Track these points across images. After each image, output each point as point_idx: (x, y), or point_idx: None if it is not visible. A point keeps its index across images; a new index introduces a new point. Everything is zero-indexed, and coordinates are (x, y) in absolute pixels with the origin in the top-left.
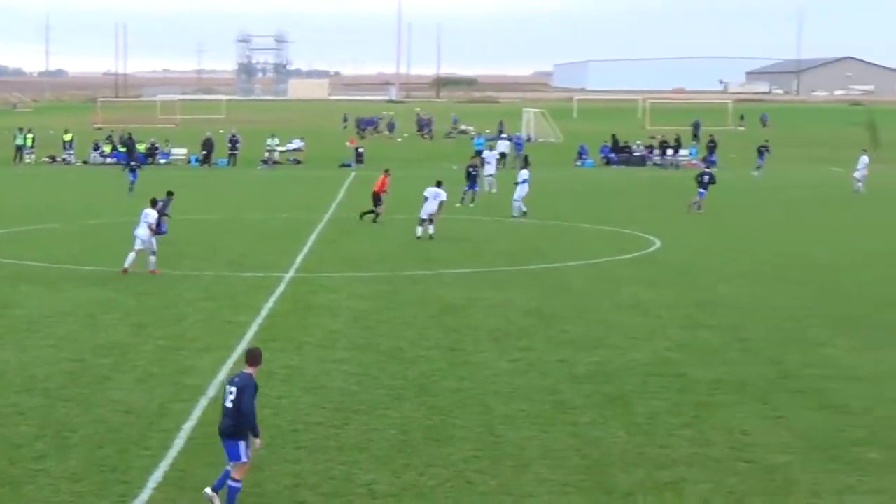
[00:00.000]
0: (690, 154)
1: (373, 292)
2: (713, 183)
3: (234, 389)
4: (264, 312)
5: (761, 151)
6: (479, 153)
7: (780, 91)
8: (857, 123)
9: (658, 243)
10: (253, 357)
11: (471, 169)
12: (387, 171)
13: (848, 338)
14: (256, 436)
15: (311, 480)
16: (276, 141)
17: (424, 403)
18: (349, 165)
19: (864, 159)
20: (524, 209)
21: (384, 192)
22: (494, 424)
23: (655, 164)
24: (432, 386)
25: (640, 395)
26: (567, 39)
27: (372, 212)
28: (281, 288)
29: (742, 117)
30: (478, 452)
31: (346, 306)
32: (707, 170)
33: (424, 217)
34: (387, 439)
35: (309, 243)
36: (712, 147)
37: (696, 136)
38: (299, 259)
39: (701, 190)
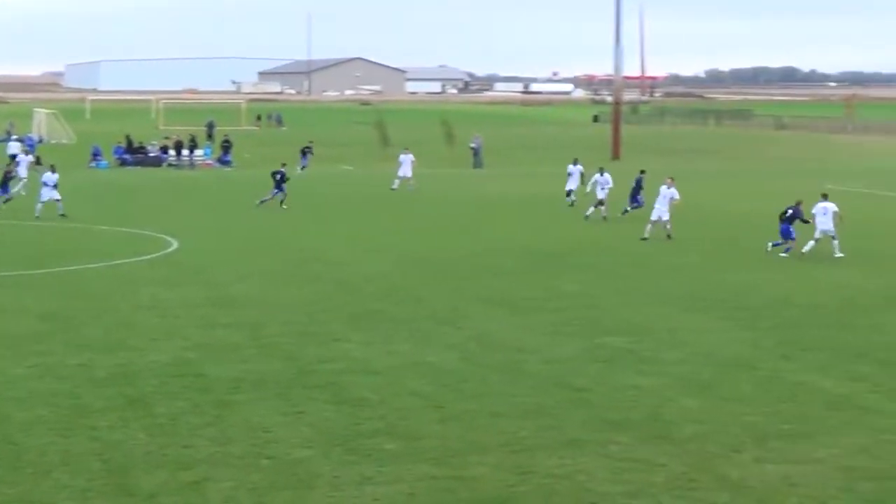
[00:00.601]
0: (205, 154)
1: None
2: (285, 181)
3: None
4: None
5: (305, 152)
6: (13, 157)
7: (292, 91)
8: (365, 123)
9: (175, 244)
10: None
11: (7, 174)
12: None
13: (361, 332)
14: None
15: None
16: None
17: None
18: None
19: (409, 157)
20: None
21: None
22: (12, 432)
23: (171, 165)
24: None
25: (161, 397)
26: (78, 39)
27: None
28: None
29: (259, 118)
30: None
31: None
32: (281, 169)
33: None
34: None
35: None
36: (227, 147)
37: (210, 136)
38: None
39: (275, 189)
